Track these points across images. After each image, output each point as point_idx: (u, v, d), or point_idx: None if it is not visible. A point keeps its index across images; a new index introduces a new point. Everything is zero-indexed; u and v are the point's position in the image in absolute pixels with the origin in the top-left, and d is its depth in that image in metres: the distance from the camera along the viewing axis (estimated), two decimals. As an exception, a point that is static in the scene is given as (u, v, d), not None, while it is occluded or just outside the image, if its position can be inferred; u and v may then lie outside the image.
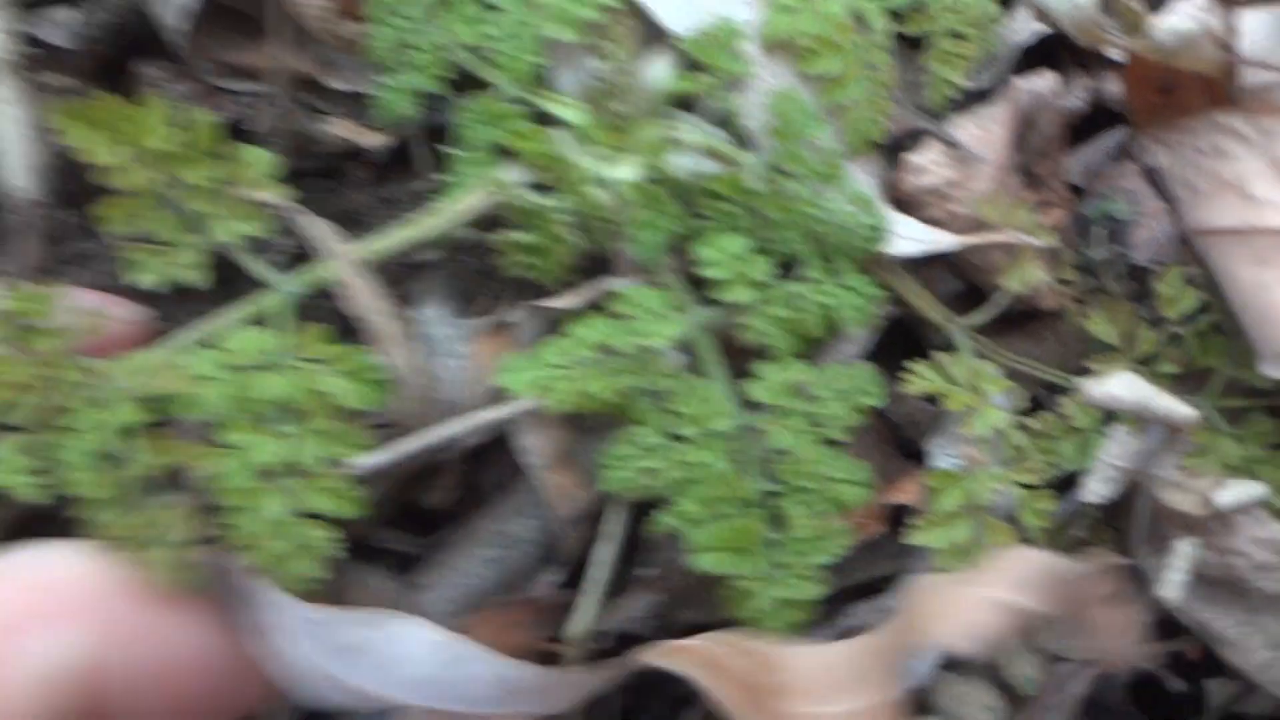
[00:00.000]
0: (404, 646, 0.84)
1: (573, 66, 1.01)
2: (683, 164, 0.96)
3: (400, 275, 1.10)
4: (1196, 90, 1.12)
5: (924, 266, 1.11)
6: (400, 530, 1.11)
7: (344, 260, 0.95)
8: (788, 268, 1.00)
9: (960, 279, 1.14)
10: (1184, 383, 1.11)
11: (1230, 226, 1.04)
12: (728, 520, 0.94)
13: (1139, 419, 0.98)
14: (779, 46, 1.04)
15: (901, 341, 1.11)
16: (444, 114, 1.05)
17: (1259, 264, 1.02)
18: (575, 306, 0.99)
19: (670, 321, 0.97)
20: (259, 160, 0.96)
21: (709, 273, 0.96)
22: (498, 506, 1.06)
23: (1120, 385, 0.97)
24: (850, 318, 0.98)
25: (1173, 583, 0.95)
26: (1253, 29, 1.08)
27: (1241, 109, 1.05)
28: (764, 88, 1.01)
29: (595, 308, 0.99)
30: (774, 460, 0.97)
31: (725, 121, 1.02)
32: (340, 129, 1.19)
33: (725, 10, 1.03)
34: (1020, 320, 1.14)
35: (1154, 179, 1.12)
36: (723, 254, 0.96)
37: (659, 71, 1.00)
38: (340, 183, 1.21)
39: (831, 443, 0.98)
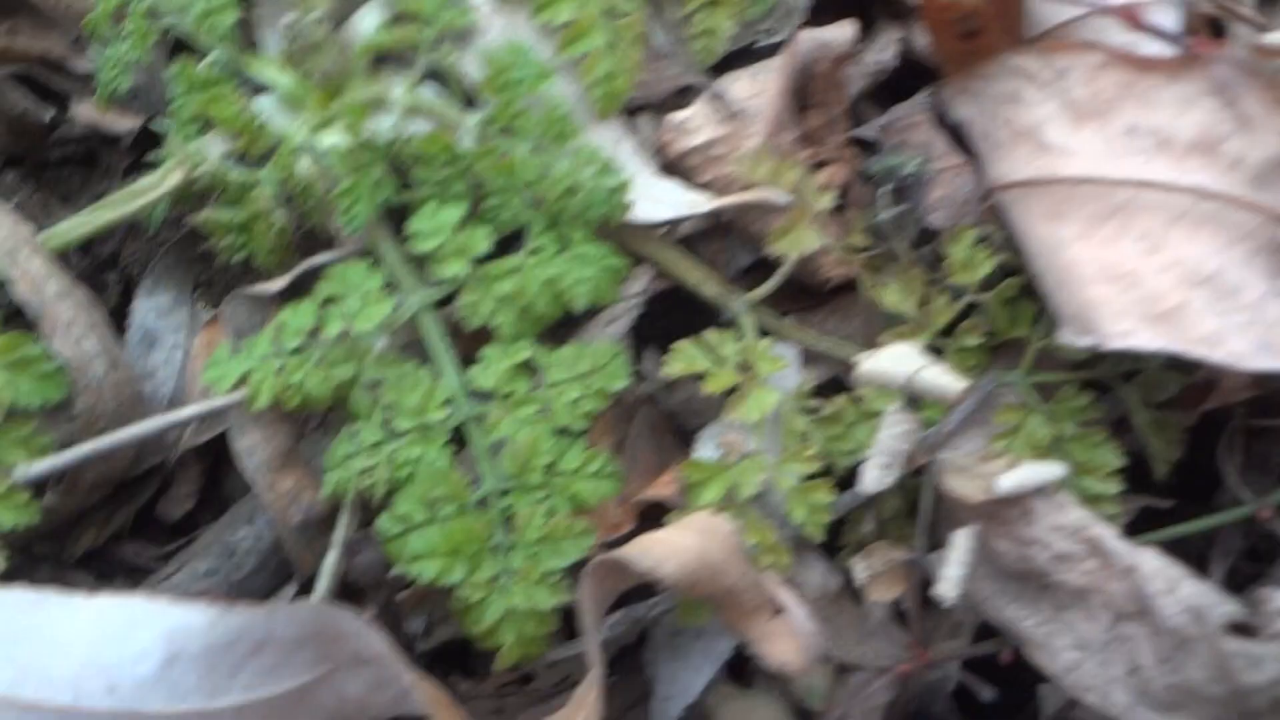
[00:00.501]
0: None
1: (277, 26, 0.92)
2: (386, 126, 0.86)
3: (116, 262, 1.01)
4: (997, 33, 1.01)
5: (705, 238, 1.01)
6: (143, 541, 1.02)
7: (15, 244, 0.86)
8: (516, 239, 0.89)
9: (752, 252, 1.03)
10: (996, 356, 1.00)
11: (1026, 178, 0.93)
12: (447, 522, 0.84)
13: (910, 396, 0.87)
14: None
15: (684, 321, 1.00)
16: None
17: (1055, 219, 0.91)
18: (283, 289, 0.90)
19: (382, 303, 0.87)
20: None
21: (420, 246, 0.87)
22: (227, 515, 0.96)
23: (888, 359, 0.86)
24: (581, 293, 0.88)
25: (949, 579, 0.84)
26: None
27: (1036, 48, 0.94)
28: (491, 41, 0.91)
29: (307, 292, 0.90)
30: (502, 454, 0.87)
31: (446, 80, 0.93)
32: (86, 113, 1.11)
33: None
34: (829, 296, 1.04)
35: (954, 134, 1.01)
36: (436, 225, 0.86)
37: (365, 24, 0.90)
38: (92, 170, 1.13)
39: (568, 432, 0.87)
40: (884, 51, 1.08)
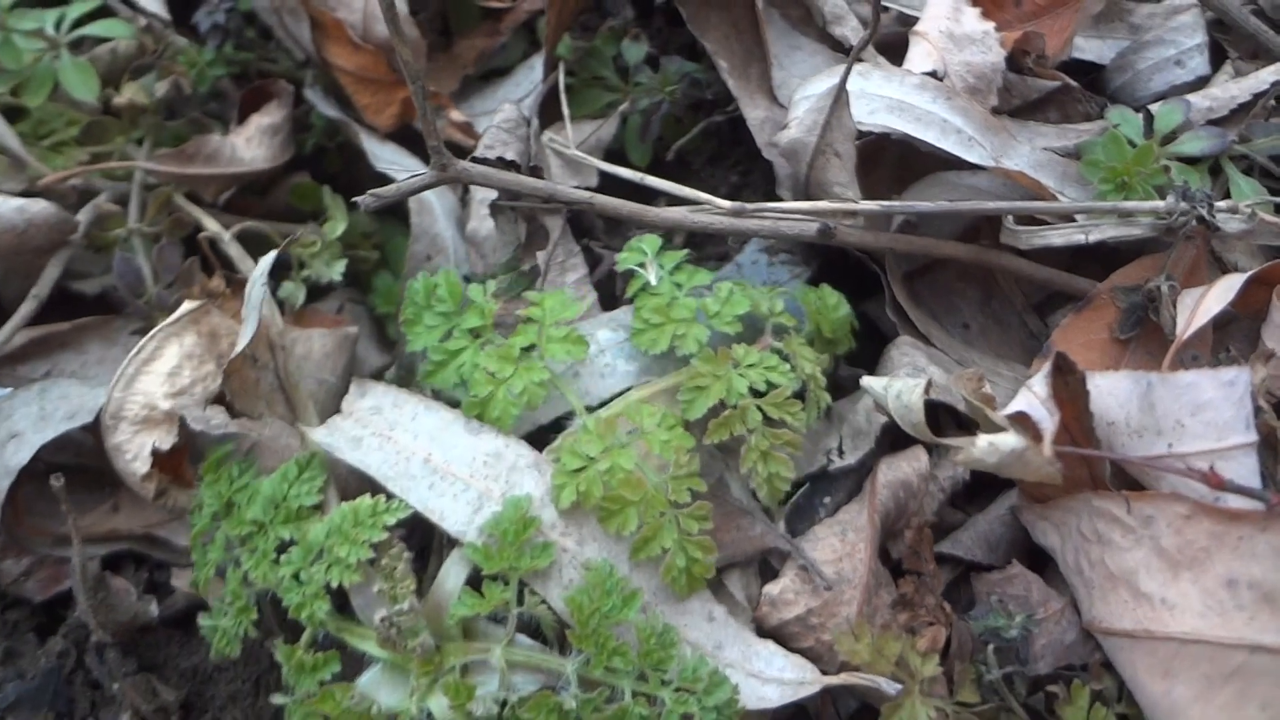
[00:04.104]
0: None
1: (369, 594, 0.96)
2: (491, 690, 0.89)
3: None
4: (1072, 464, 1.02)
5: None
6: None
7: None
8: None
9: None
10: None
11: (1129, 629, 0.93)
12: None
13: None
14: (575, 511, 0.97)
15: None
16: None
17: (1167, 677, 0.90)
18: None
19: None
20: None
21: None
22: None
23: None
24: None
25: None
26: (1112, 401, 0.99)
27: (1119, 494, 0.95)
28: (571, 561, 0.95)
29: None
30: None
31: (534, 620, 0.95)
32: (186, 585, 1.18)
33: (514, 485, 0.98)
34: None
35: (1041, 555, 1.02)
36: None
37: (451, 583, 0.94)
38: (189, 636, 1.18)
39: None
40: (955, 467, 1.10)
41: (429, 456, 1.01)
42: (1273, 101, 1.29)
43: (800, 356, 1.05)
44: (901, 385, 0.96)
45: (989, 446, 0.86)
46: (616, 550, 0.97)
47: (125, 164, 1.35)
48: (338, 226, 1.39)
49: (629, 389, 1.06)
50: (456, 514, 0.96)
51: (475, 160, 1.15)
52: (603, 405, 1.04)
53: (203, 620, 1.05)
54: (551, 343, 1.03)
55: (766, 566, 1.06)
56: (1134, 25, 1.36)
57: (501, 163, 1.16)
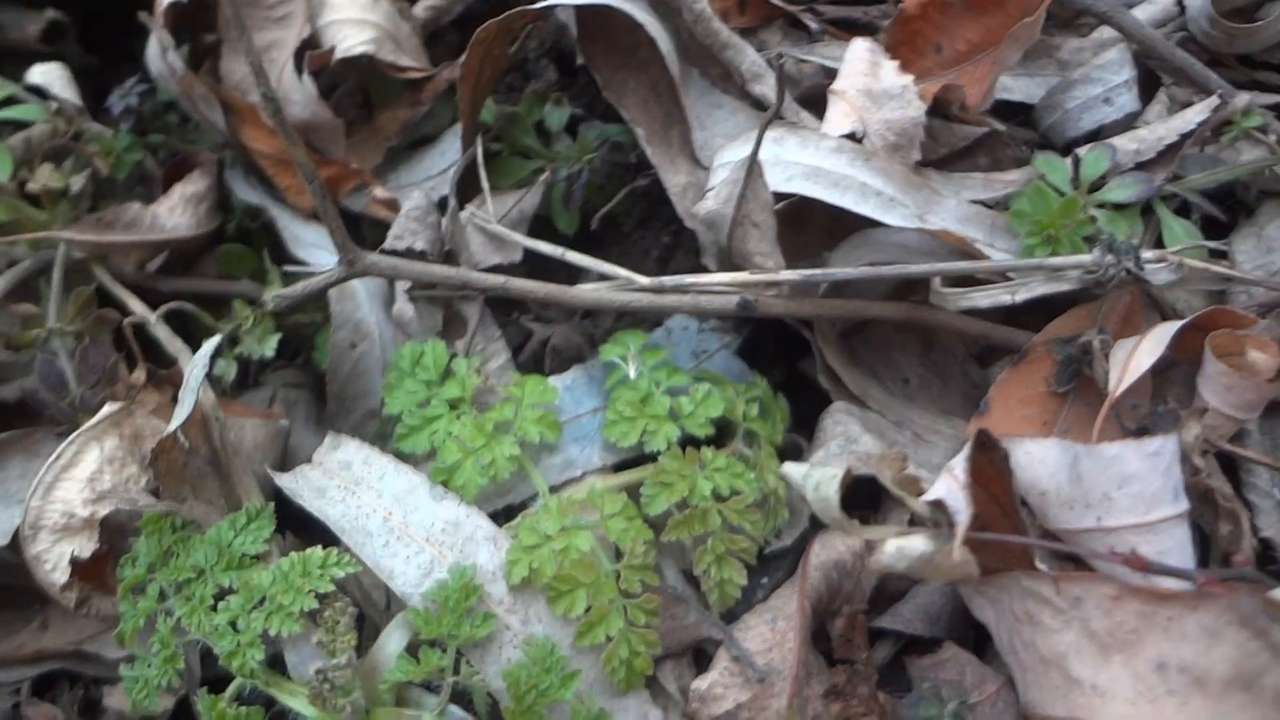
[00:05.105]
0: None
1: (304, 650, 0.96)
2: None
3: None
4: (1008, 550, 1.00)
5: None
6: None
7: None
8: None
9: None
10: None
11: (1062, 717, 0.91)
12: None
13: None
14: (526, 589, 0.97)
15: None
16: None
17: (1101, 764, 0.88)
18: None
19: None
20: None
21: None
22: None
23: None
24: None
25: None
26: (1043, 470, 0.96)
27: (1048, 577, 0.93)
28: (513, 640, 0.94)
29: None
30: None
31: (466, 692, 0.95)
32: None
33: (467, 555, 0.98)
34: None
35: (981, 630, 0.99)
36: None
37: (390, 648, 0.94)
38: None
39: None
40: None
41: (389, 515, 1.02)
42: (1208, 132, 1.26)
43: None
44: (820, 476, 0.93)
45: (896, 552, 0.84)
46: (561, 635, 0.97)
47: (41, 234, 1.32)
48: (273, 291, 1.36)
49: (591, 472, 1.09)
50: (406, 576, 0.97)
51: (385, 252, 1.12)
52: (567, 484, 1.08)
53: (124, 672, 1.04)
54: (527, 422, 1.06)
55: (701, 653, 1.05)
56: (1062, 61, 1.33)
57: (411, 253, 1.14)
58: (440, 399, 1.09)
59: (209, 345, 1.11)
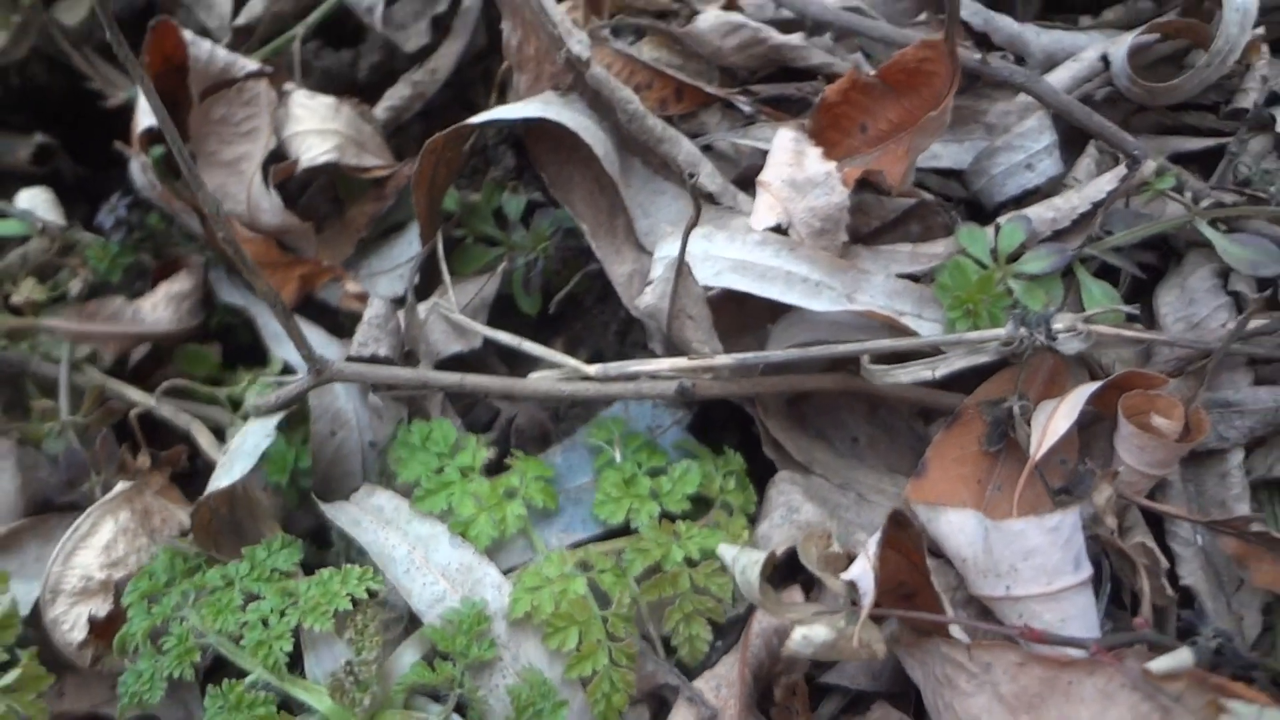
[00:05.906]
0: None
1: (325, 655, 1.07)
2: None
3: None
4: (926, 603, 1.07)
5: None
6: None
7: None
8: None
9: None
10: None
11: (980, 781, 0.98)
12: None
13: None
14: (523, 624, 1.10)
15: None
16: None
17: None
18: None
19: None
20: None
21: None
22: None
23: None
24: None
25: None
26: (963, 539, 1.04)
27: (960, 645, 1.00)
28: (505, 669, 1.06)
29: None
30: None
31: (465, 705, 1.06)
32: None
33: (475, 593, 1.12)
34: None
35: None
36: None
37: (405, 659, 1.07)
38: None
39: None
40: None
41: (413, 549, 1.17)
42: (1131, 189, 1.32)
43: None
44: (746, 559, 1.01)
45: (803, 640, 0.91)
46: (550, 672, 1.09)
47: (25, 322, 1.43)
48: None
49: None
50: (422, 597, 1.12)
51: (350, 359, 1.22)
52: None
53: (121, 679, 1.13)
54: (531, 490, 1.22)
55: (663, 703, 1.14)
56: (989, 125, 1.39)
57: (375, 359, 1.23)
58: (454, 466, 1.24)
59: (263, 427, 1.22)
